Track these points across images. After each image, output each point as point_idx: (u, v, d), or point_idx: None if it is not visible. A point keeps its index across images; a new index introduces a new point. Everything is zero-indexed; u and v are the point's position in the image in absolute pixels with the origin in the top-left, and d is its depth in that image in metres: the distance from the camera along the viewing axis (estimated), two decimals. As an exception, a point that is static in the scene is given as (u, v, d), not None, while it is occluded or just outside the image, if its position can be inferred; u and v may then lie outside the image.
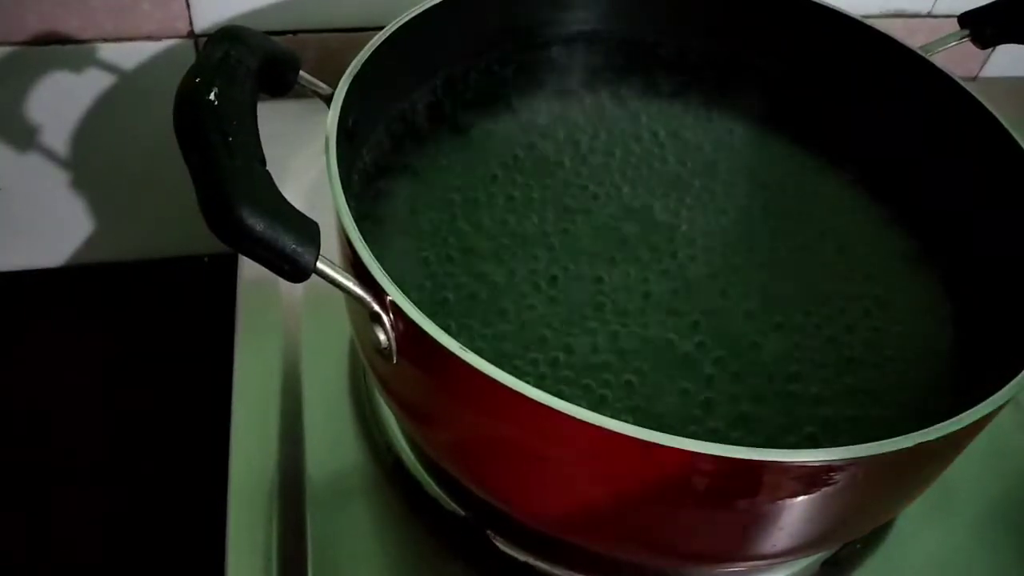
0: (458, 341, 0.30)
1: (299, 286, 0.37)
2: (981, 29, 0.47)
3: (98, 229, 0.65)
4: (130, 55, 0.57)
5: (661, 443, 0.28)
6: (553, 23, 0.51)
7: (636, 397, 0.38)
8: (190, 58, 0.58)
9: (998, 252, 0.42)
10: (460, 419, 0.35)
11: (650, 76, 0.52)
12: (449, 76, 0.48)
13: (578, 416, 0.28)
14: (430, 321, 0.30)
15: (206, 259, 0.67)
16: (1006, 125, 0.42)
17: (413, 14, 0.43)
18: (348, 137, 0.39)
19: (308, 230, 0.29)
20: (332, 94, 0.38)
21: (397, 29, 0.42)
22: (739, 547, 0.34)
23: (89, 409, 0.60)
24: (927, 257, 0.45)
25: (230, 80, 0.31)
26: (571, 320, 0.40)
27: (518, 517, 0.37)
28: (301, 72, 0.38)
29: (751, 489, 0.31)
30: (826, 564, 0.43)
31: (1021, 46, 0.47)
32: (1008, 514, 0.45)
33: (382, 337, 0.32)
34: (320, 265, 0.30)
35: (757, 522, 0.33)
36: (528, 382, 0.29)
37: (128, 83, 0.58)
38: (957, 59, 0.70)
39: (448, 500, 0.42)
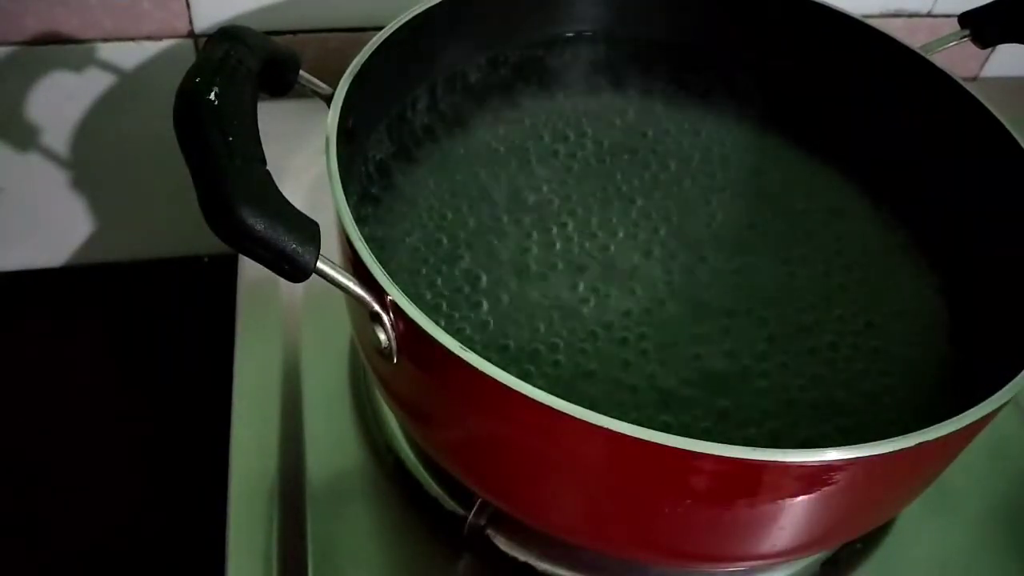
0: (459, 340, 0.30)
1: (299, 286, 0.37)
2: (981, 29, 0.47)
3: (98, 229, 0.65)
4: (130, 55, 0.57)
5: (661, 443, 0.28)
6: (553, 23, 0.51)
7: (642, 401, 0.38)
8: (190, 58, 0.58)
9: (998, 252, 0.42)
10: (460, 419, 0.35)
11: (649, 76, 0.52)
12: (449, 76, 0.48)
13: (578, 416, 0.28)
14: (430, 321, 0.30)
15: (206, 259, 0.67)
16: (1006, 125, 0.42)
17: (413, 14, 0.43)
18: (348, 137, 0.39)
19: (308, 230, 0.29)
20: (332, 94, 0.38)
21: (397, 29, 0.42)
22: (739, 547, 0.34)
23: (89, 409, 0.60)
24: (927, 257, 0.45)
25: (230, 80, 0.31)
26: (575, 320, 0.40)
27: (518, 517, 0.37)
28: (301, 72, 0.38)
29: (751, 489, 0.31)
30: (826, 564, 0.43)
31: (1021, 46, 0.47)
32: (1008, 514, 0.45)
33: (382, 337, 0.32)
34: (320, 265, 0.30)
35: (757, 522, 0.33)
36: (533, 383, 0.29)
37: (128, 83, 0.58)
38: (957, 59, 0.70)
39: (448, 500, 0.42)
